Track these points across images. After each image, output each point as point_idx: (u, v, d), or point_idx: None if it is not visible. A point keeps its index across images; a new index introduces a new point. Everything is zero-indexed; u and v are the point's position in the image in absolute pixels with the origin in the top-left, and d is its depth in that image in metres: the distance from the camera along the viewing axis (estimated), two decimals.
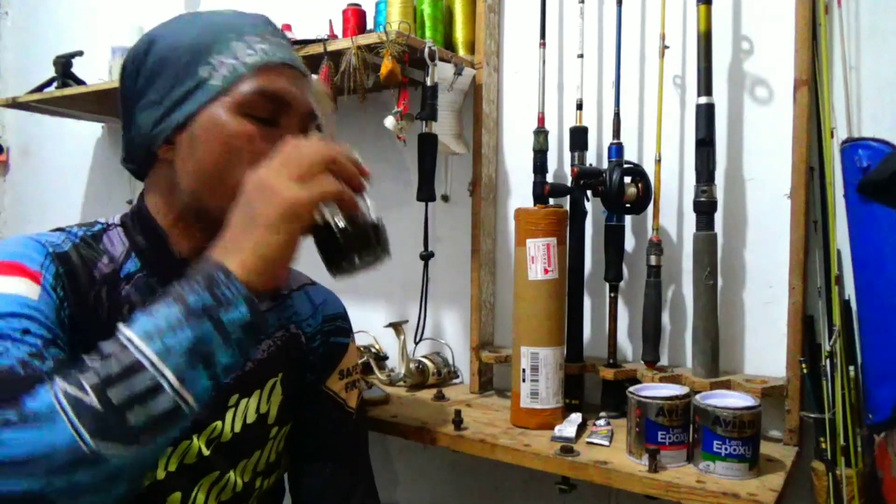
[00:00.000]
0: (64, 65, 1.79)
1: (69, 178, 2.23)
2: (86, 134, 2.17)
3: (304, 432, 0.91)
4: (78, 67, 1.82)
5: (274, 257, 0.61)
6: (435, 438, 1.10)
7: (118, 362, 0.55)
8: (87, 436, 0.52)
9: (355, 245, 0.65)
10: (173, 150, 0.75)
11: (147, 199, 0.81)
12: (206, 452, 0.79)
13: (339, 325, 0.96)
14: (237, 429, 0.81)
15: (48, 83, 1.81)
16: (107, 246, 0.79)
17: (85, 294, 0.74)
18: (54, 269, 0.72)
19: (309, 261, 0.84)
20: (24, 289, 0.68)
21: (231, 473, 0.81)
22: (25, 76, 2.22)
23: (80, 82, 1.79)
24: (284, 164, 0.62)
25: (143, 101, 0.76)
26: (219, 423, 0.80)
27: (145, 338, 0.56)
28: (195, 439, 0.78)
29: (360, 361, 1.36)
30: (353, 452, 0.94)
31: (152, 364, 0.55)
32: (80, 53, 1.82)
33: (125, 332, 0.57)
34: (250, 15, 0.79)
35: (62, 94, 1.74)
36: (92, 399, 0.53)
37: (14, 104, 1.85)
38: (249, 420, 0.83)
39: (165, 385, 0.55)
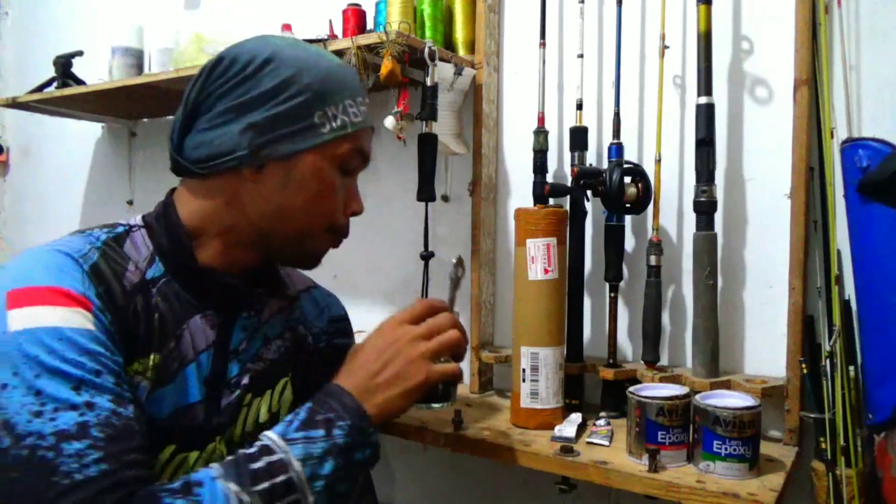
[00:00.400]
0: (64, 65, 1.79)
1: (69, 178, 2.23)
2: (86, 134, 2.17)
3: None
4: (78, 67, 1.81)
5: (395, 413, 0.76)
6: (435, 438, 1.10)
7: (282, 476, 0.66)
8: None
9: (443, 397, 0.85)
10: (259, 176, 0.77)
11: (181, 202, 0.80)
12: (226, 454, 0.79)
13: (343, 326, 1.00)
14: (249, 428, 0.82)
15: (48, 83, 1.81)
16: (129, 250, 0.77)
17: (123, 310, 0.72)
18: (94, 290, 0.70)
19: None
20: (79, 320, 0.66)
21: None
22: (25, 76, 2.22)
23: (80, 82, 1.79)
24: (435, 343, 0.78)
25: (243, 113, 0.75)
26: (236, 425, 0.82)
27: (301, 461, 0.67)
28: (218, 442, 0.79)
29: None
30: None
31: (301, 485, 0.67)
32: (80, 53, 1.82)
33: (285, 451, 0.67)
34: (353, 72, 0.85)
35: (62, 94, 1.73)
36: None
37: (14, 104, 1.85)
38: (262, 420, 0.84)
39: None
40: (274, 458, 0.67)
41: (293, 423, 0.70)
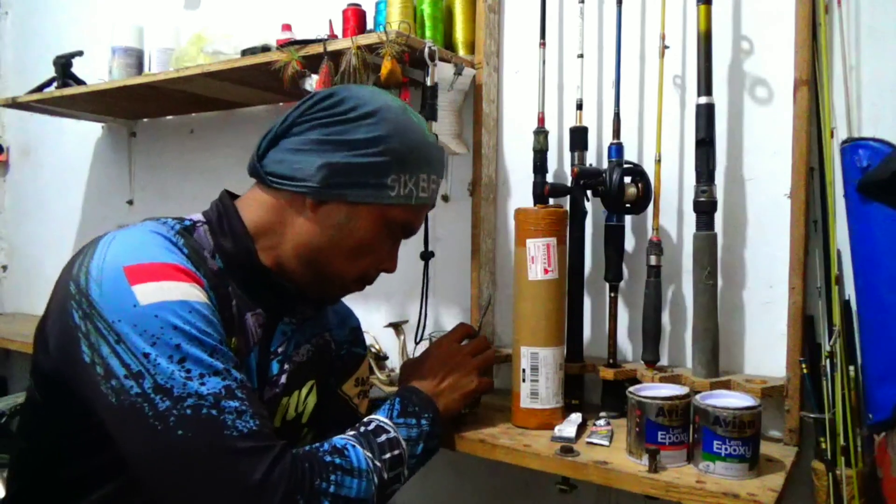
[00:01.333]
0: (64, 65, 1.79)
1: (69, 178, 2.23)
2: (86, 134, 2.17)
3: (323, 432, 0.94)
4: (78, 67, 1.82)
5: (454, 412, 0.98)
6: None
7: (398, 450, 0.81)
8: (375, 499, 0.75)
9: (474, 403, 1.11)
10: (318, 210, 0.81)
11: (245, 206, 0.84)
12: None
13: (360, 336, 1.09)
14: (276, 423, 0.87)
15: (48, 83, 1.81)
16: (199, 242, 0.81)
17: (216, 290, 0.77)
18: (192, 266, 0.74)
19: None
20: (199, 295, 0.71)
21: None
22: (25, 76, 2.22)
23: (80, 82, 1.79)
24: (480, 359, 1.02)
25: (328, 150, 0.80)
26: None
27: (406, 441, 0.83)
28: None
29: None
30: None
31: (404, 460, 0.82)
32: (80, 53, 1.82)
33: (396, 431, 0.83)
34: (441, 153, 0.89)
35: (62, 94, 1.74)
36: (384, 473, 0.77)
37: (14, 104, 1.85)
38: (289, 417, 0.88)
39: (403, 476, 0.82)
40: (391, 435, 0.81)
41: (393, 412, 0.86)
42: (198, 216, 0.85)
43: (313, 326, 0.95)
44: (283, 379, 0.86)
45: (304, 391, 0.90)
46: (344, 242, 0.82)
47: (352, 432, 0.80)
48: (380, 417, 0.84)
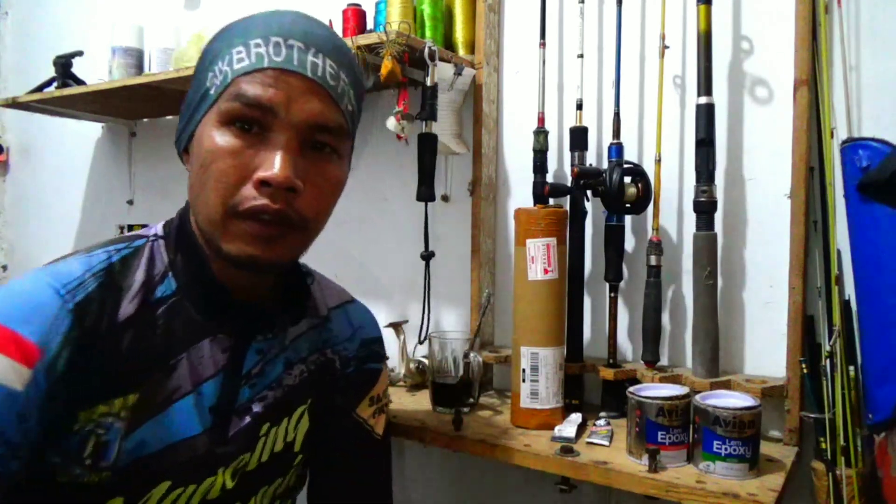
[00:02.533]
0: (64, 65, 1.79)
1: (69, 178, 2.23)
2: (86, 134, 2.17)
3: (328, 455, 0.87)
4: (78, 67, 1.81)
5: None
6: (435, 438, 1.10)
7: None
8: None
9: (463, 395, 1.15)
10: (187, 158, 0.73)
11: (190, 205, 0.74)
12: (230, 485, 0.74)
13: (376, 349, 0.92)
14: (264, 458, 0.77)
15: (48, 83, 1.81)
16: (139, 272, 0.70)
17: (101, 353, 0.65)
18: (67, 333, 0.63)
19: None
20: (10, 377, 0.59)
21: (252, 500, 0.78)
22: (25, 76, 2.22)
23: (80, 82, 1.79)
24: None
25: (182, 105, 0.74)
26: (247, 454, 0.76)
27: None
28: (221, 473, 0.73)
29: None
30: (375, 478, 0.91)
31: None
32: (80, 53, 1.82)
33: None
34: (279, 14, 0.69)
35: (62, 94, 1.73)
36: None
37: (14, 104, 1.85)
38: (277, 449, 0.79)
39: None
40: None
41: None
42: (158, 228, 0.75)
43: (313, 343, 0.83)
44: (259, 407, 0.75)
45: (294, 418, 0.80)
46: (195, 172, 0.68)
47: None
48: None
